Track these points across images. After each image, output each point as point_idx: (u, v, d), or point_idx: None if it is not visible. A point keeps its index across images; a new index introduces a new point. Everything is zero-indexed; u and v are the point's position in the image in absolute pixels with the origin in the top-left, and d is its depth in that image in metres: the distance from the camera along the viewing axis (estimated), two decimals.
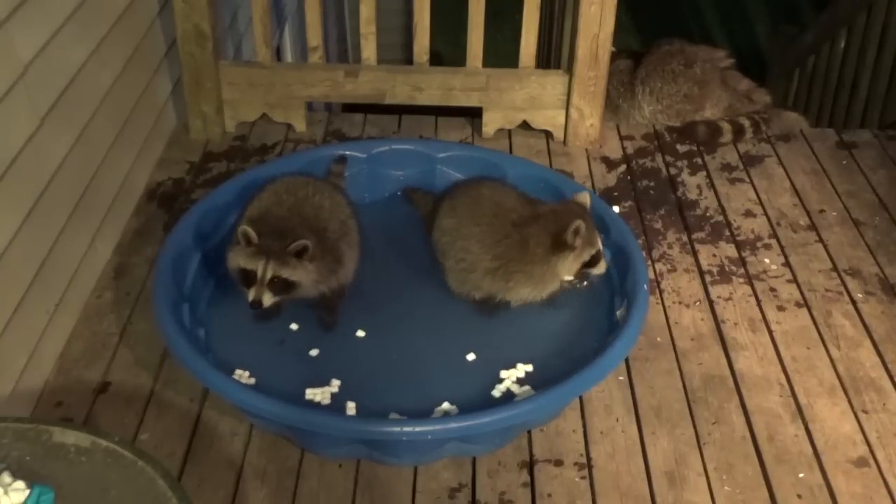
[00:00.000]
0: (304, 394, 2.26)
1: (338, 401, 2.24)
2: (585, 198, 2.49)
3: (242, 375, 2.30)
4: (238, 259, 2.24)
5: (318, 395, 2.26)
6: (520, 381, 2.33)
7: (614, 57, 3.46)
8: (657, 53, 3.73)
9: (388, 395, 2.26)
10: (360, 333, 2.44)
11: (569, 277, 2.44)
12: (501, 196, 2.52)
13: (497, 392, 2.30)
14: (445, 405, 2.22)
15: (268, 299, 2.23)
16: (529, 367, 2.37)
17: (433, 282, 2.57)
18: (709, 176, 3.28)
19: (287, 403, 2.18)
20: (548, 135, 3.44)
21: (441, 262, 2.55)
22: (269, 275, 2.21)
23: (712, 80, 3.69)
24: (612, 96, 3.60)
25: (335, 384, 2.28)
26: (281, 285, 2.24)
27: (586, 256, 2.40)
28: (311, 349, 2.39)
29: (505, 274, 2.42)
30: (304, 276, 2.26)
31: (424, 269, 2.60)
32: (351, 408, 2.21)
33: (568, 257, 2.39)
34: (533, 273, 2.41)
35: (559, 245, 2.37)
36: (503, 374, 2.35)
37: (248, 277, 2.23)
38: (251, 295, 2.22)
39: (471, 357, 2.39)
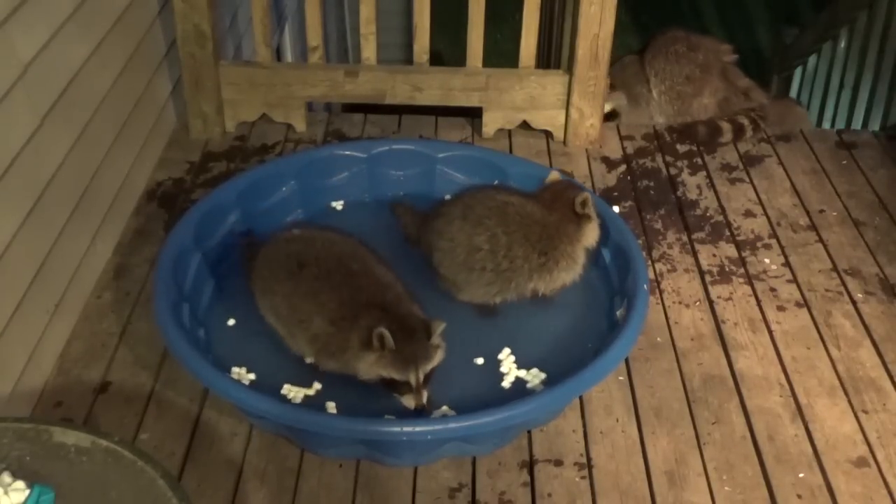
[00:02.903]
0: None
1: (316, 402, 2.24)
2: (556, 175, 2.65)
3: (241, 373, 2.30)
4: (379, 369, 2.11)
5: (293, 392, 2.25)
6: (520, 365, 2.37)
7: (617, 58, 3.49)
8: (662, 38, 3.76)
9: (373, 397, 2.24)
10: None
11: (594, 242, 2.56)
12: (513, 197, 2.56)
13: (506, 383, 2.33)
14: (444, 408, 2.21)
15: (426, 396, 2.14)
16: (528, 368, 2.37)
17: (433, 283, 2.57)
18: (709, 176, 3.28)
19: (287, 404, 2.19)
20: (548, 135, 3.44)
21: (460, 279, 2.51)
22: (421, 378, 2.12)
23: (713, 68, 3.73)
24: (630, 84, 3.61)
25: (315, 386, 2.28)
26: (430, 375, 2.15)
27: (599, 220, 2.55)
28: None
29: (552, 265, 2.49)
30: (443, 354, 2.17)
31: (423, 270, 2.60)
32: (331, 408, 2.21)
33: (590, 225, 2.53)
34: (572, 254, 2.51)
35: (580, 217, 2.50)
36: (503, 369, 2.37)
37: (398, 385, 2.12)
38: (411, 403, 2.12)
39: (471, 359, 2.39)
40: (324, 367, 2.27)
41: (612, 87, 3.49)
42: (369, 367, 2.13)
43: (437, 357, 2.16)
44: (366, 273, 2.30)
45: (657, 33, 3.82)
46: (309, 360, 2.32)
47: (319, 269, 2.29)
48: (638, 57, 3.75)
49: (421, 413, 2.13)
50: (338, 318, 2.19)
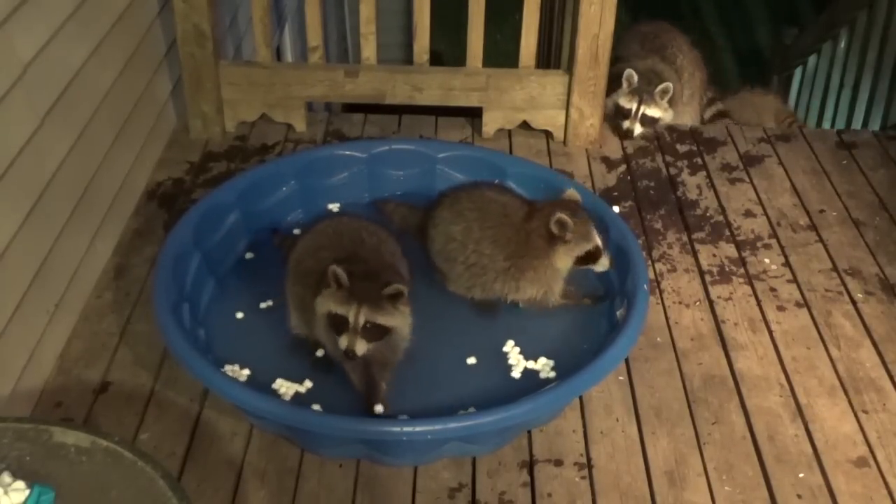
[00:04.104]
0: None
1: (305, 399, 2.25)
2: (574, 194, 2.51)
3: (234, 369, 2.31)
4: (328, 303, 2.11)
5: (284, 387, 2.27)
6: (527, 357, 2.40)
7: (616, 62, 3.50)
8: (676, 42, 3.79)
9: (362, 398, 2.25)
10: None
11: (564, 268, 2.45)
12: (504, 198, 2.55)
13: (517, 373, 2.35)
14: (471, 409, 2.20)
15: (361, 347, 2.09)
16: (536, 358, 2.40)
17: (433, 284, 2.57)
18: (709, 176, 3.28)
19: (287, 404, 2.19)
20: (548, 135, 3.44)
21: (444, 268, 2.55)
22: (361, 321, 2.08)
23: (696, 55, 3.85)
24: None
25: (307, 384, 2.29)
26: (375, 331, 2.10)
27: (579, 251, 2.42)
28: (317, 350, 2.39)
29: (516, 273, 2.46)
30: (400, 322, 2.14)
31: (424, 271, 2.59)
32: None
33: (562, 248, 2.42)
34: (538, 269, 2.44)
35: (554, 237, 2.41)
36: (511, 361, 2.39)
37: (340, 323, 2.10)
38: (343, 343, 2.09)
39: (471, 360, 2.39)
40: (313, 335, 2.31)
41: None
42: (322, 303, 2.12)
43: (391, 316, 2.11)
44: (371, 247, 2.33)
45: (660, 34, 3.82)
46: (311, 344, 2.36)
47: (332, 240, 2.36)
48: (659, 60, 3.73)
49: (351, 359, 2.12)
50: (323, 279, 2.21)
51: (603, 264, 2.46)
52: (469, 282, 2.51)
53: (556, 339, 2.47)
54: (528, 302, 2.52)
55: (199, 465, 2.14)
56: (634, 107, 3.43)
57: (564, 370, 2.34)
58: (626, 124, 3.45)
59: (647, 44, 3.76)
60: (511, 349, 2.42)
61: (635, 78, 3.44)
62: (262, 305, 2.52)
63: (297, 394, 2.26)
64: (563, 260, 2.44)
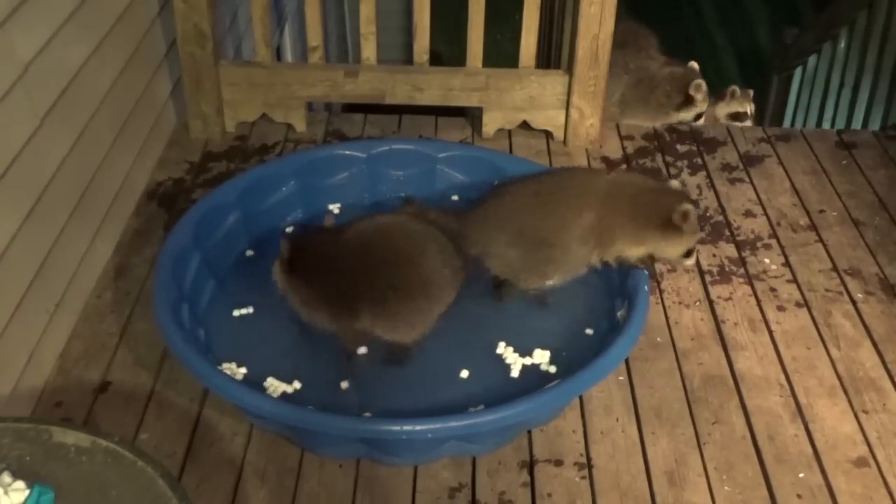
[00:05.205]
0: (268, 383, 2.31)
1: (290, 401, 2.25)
2: (678, 186, 2.48)
3: (232, 367, 2.31)
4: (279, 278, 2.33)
5: (273, 385, 2.28)
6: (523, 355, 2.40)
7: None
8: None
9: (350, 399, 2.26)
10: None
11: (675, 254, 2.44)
12: (542, 176, 2.54)
13: (515, 372, 2.35)
14: (481, 407, 2.19)
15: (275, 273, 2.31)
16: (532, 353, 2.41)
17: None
18: (709, 176, 3.28)
19: (287, 404, 2.19)
20: (548, 135, 3.45)
21: (544, 255, 2.43)
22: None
23: None
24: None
25: (295, 385, 2.29)
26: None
27: (689, 245, 2.42)
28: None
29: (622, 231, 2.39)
30: (282, 283, 2.31)
31: None
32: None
33: (677, 238, 2.40)
34: (641, 236, 2.40)
35: (671, 223, 2.36)
36: (507, 360, 2.39)
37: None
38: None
39: (464, 371, 2.38)
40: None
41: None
42: (273, 271, 2.33)
43: (281, 276, 2.30)
44: (388, 251, 2.33)
45: (644, 31, 3.84)
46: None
47: (360, 240, 2.37)
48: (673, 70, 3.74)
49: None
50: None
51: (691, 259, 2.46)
52: (571, 263, 2.43)
53: (547, 331, 2.47)
54: (622, 257, 2.42)
55: (199, 465, 2.14)
56: (749, 107, 3.48)
57: (562, 360, 2.35)
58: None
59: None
60: (504, 349, 2.41)
61: (704, 85, 3.48)
62: (241, 311, 2.51)
63: (284, 393, 2.26)
64: (676, 248, 2.41)
